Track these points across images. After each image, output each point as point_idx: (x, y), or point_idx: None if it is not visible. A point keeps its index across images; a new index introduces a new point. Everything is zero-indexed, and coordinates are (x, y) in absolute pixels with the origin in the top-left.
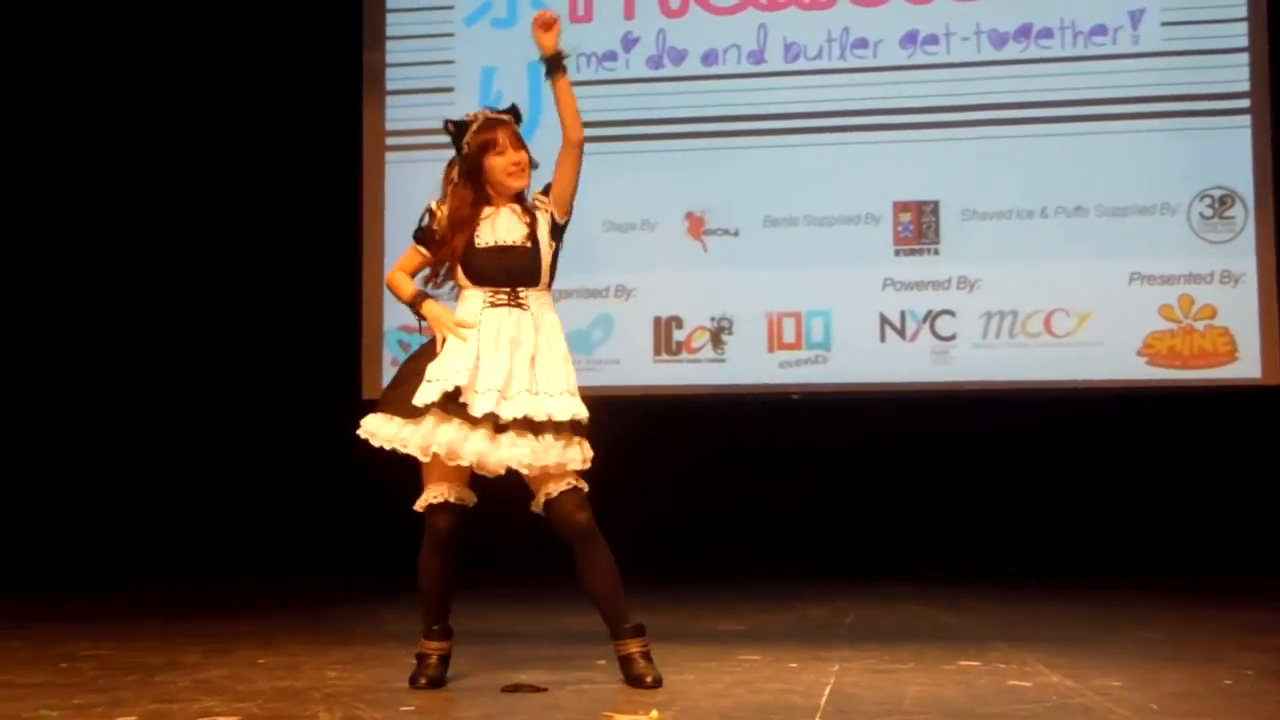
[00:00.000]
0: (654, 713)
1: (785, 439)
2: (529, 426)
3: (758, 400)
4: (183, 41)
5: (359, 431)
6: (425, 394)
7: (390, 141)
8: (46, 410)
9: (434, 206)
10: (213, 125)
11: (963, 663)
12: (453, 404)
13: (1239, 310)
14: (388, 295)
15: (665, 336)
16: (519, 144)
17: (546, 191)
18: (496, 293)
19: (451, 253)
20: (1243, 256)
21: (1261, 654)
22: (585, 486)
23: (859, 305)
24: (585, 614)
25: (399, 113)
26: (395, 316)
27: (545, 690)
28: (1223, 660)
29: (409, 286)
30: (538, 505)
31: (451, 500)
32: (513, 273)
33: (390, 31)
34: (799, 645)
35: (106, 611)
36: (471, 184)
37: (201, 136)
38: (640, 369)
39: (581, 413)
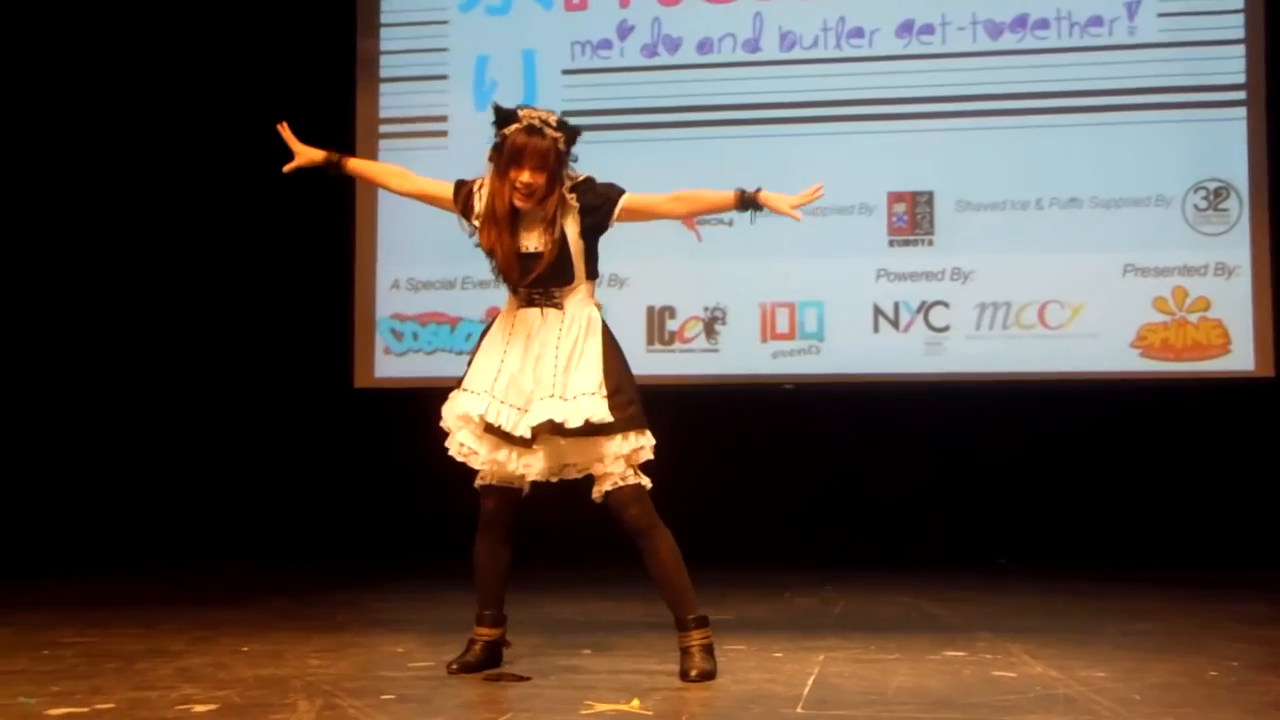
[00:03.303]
0: (635, 702)
1: (778, 429)
2: (555, 431)
3: (750, 391)
4: (174, 30)
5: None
6: (462, 404)
7: (384, 129)
8: (34, 398)
9: (476, 188)
10: (205, 114)
11: (948, 653)
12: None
13: (1233, 303)
14: (380, 284)
15: (658, 326)
16: (543, 165)
17: (579, 189)
18: (530, 295)
19: (489, 252)
20: (1237, 249)
21: (1248, 646)
22: (641, 480)
23: (852, 296)
24: (570, 602)
25: (393, 100)
26: (387, 305)
27: (528, 679)
28: (1209, 652)
29: (362, 163)
30: (597, 496)
31: (496, 484)
32: (543, 277)
33: (384, 18)
34: (785, 635)
35: (92, 599)
36: (500, 181)
37: (193, 126)
38: (633, 359)
39: (597, 415)
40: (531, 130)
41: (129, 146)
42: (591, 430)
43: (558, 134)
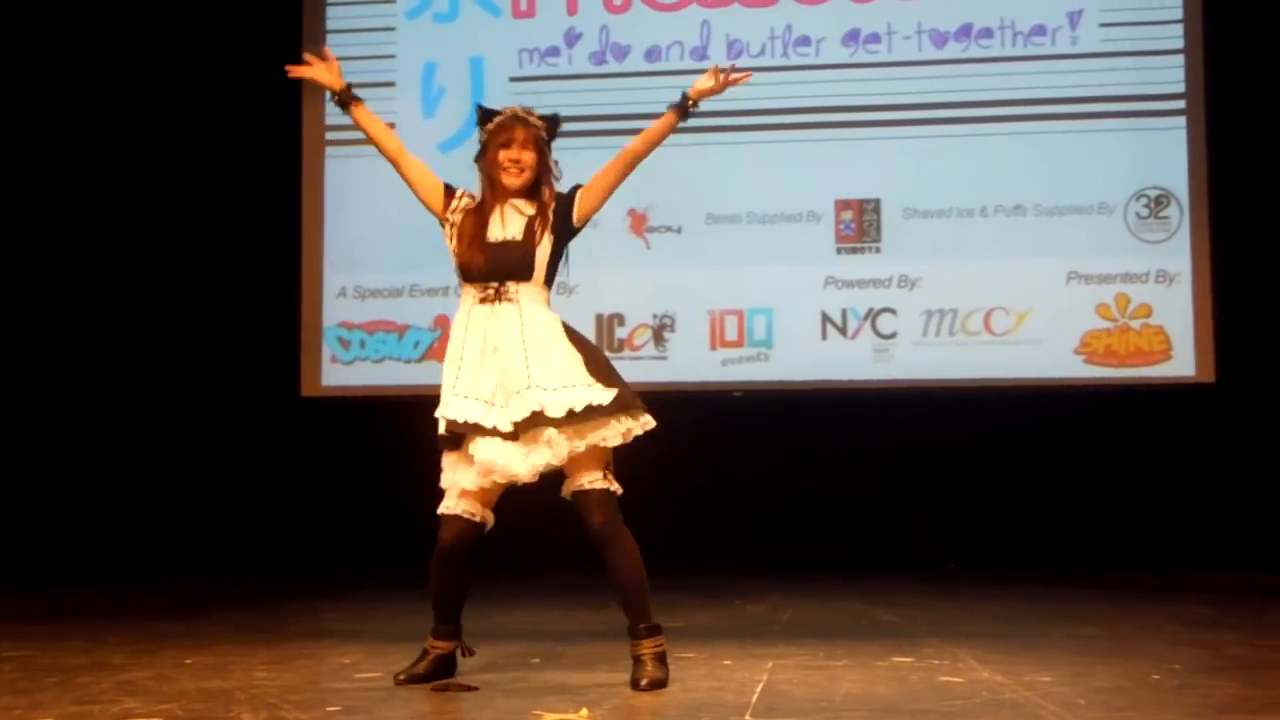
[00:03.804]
0: (584, 711)
1: (727, 437)
2: (534, 423)
3: (699, 398)
4: (119, 37)
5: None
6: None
7: (330, 137)
8: None
9: (459, 195)
10: (151, 121)
11: (896, 659)
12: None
13: (1174, 309)
14: (326, 292)
15: (607, 334)
16: (531, 146)
17: (569, 192)
18: (485, 288)
19: (452, 239)
20: (1178, 256)
21: (1191, 649)
22: (611, 486)
23: (801, 303)
24: (520, 611)
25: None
26: (334, 314)
27: (476, 689)
28: (1153, 655)
29: (369, 116)
30: (566, 493)
31: (458, 514)
32: (501, 268)
33: (330, 25)
34: (734, 642)
35: (33, 613)
36: (486, 178)
37: (140, 134)
38: None
39: (580, 402)
40: (516, 118)
41: (71, 156)
42: (590, 413)
43: (540, 123)
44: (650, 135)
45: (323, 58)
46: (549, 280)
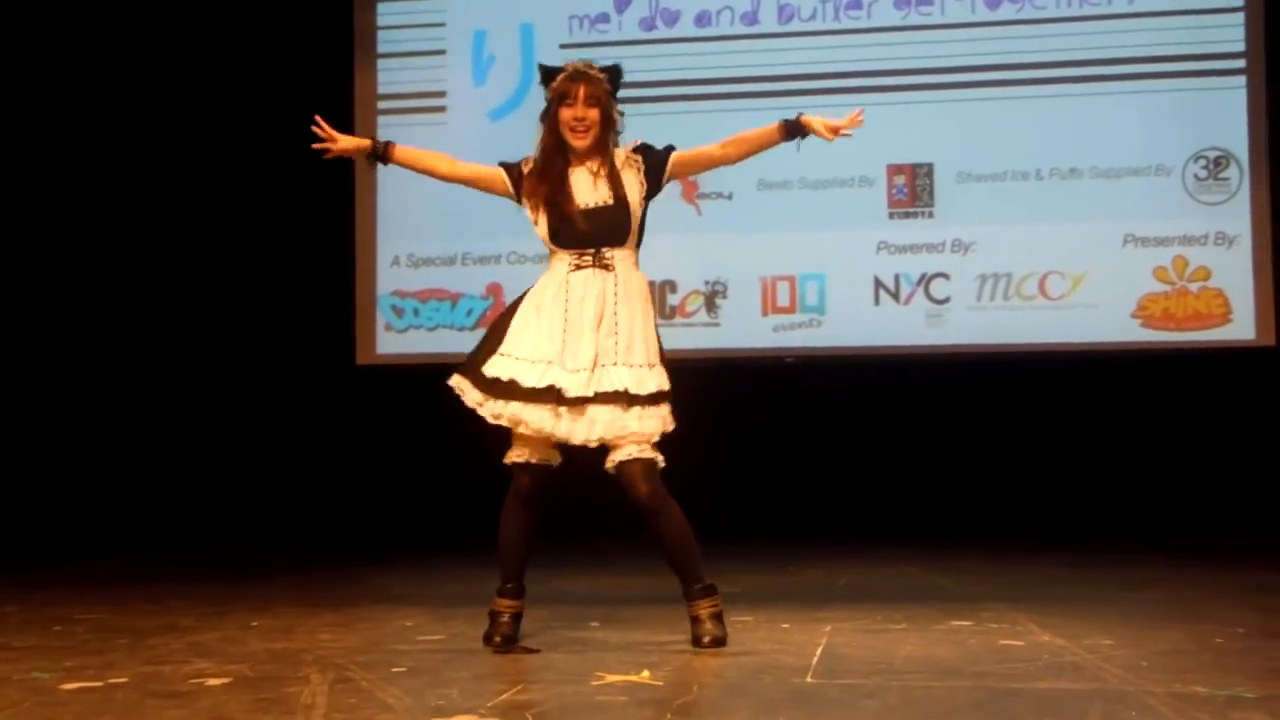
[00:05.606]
0: (645, 672)
1: (779, 403)
2: (614, 399)
3: (752, 364)
4: (173, 9)
5: (451, 382)
6: (504, 368)
7: (382, 105)
8: (43, 377)
9: (524, 163)
10: (204, 93)
11: (955, 623)
12: (544, 391)
13: (1233, 272)
14: (380, 261)
15: (659, 301)
16: (594, 101)
17: (640, 151)
18: (581, 254)
19: (535, 207)
20: (1237, 218)
21: (1254, 613)
22: (656, 457)
23: (853, 268)
24: (575, 575)
25: (391, 75)
26: (387, 283)
27: (538, 651)
28: (1215, 619)
29: (409, 150)
30: (610, 465)
31: (534, 461)
32: (598, 234)
33: None
34: (792, 607)
35: (102, 577)
36: (552, 136)
37: (192, 105)
38: None
39: (664, 385)
40: (576, 74)
41: (128, 126)
42: (657, 399)
43: (601, 75)
44: (750, 144)
45: (332, 136)
46: (640, 240)
